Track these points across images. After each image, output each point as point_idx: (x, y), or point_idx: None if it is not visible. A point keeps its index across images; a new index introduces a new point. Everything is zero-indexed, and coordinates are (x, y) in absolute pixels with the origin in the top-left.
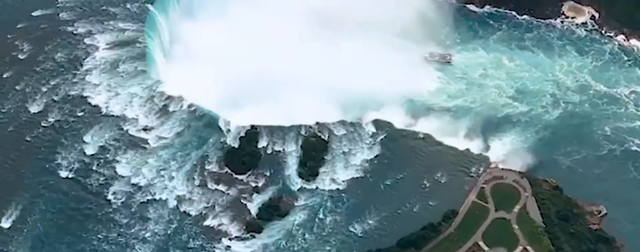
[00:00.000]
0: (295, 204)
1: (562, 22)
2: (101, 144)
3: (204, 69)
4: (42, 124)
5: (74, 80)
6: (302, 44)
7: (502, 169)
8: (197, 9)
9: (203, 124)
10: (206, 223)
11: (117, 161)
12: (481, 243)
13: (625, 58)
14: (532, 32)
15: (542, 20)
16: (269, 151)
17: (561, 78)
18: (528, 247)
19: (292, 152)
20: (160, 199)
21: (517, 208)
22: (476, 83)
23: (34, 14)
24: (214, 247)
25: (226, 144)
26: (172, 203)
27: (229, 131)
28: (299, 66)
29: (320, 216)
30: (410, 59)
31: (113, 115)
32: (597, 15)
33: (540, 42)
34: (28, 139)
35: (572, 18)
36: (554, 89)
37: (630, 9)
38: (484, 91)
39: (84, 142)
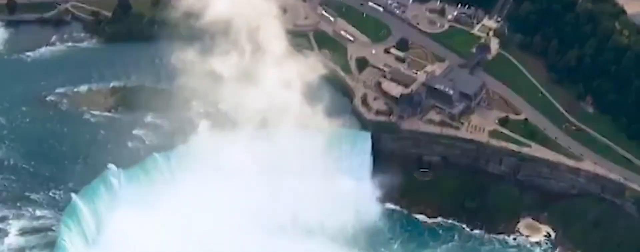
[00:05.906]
0: None
1: (515, 239)
2: None
3: None
4: None
5: None
6: (238, 247)
7: None
8: (127, 200)
9: None
10: None
11: None
12: None
13: None
14: (485, 246)
15: (496, 236)
16: None
17: None
18: None
19: None
20: None
21: None
22: None
23: None
24: None
25: None
26: None
27: None
28: None
29: None
30: None
31: None
32: (553, 234)
33: None
34: None
35: (527, 236)
36: None
37: (587, 230)
38: None
39: None
